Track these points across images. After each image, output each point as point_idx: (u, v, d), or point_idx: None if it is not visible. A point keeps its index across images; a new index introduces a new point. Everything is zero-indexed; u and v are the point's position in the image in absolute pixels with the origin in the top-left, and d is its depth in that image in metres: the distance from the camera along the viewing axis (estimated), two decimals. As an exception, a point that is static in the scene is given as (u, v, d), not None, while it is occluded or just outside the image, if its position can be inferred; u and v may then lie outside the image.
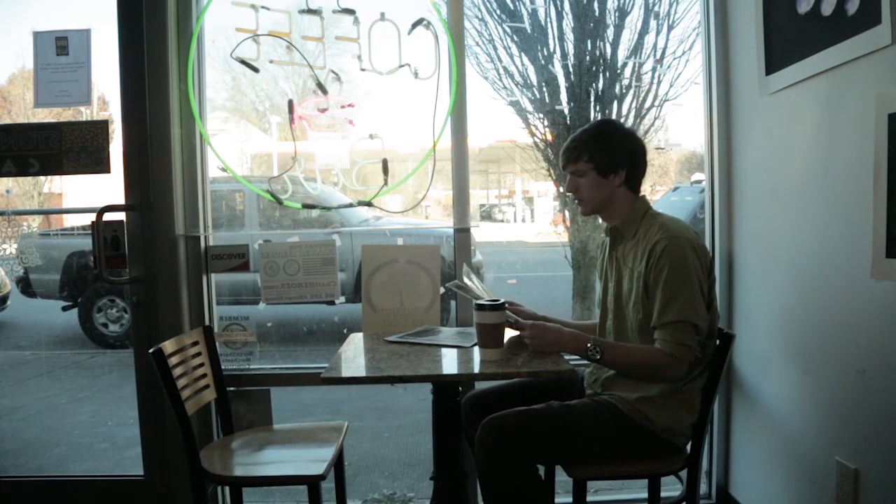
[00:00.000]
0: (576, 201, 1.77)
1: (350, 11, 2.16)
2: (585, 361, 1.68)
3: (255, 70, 2.18)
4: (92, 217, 2.08)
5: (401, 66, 2.18)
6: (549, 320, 1.82)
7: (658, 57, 3.43)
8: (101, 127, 2.16)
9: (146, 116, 2.12)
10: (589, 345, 1.61)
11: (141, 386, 2.18)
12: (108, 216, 2.11)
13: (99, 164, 2.16)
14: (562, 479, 1.78)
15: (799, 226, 1.79)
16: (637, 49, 3.46)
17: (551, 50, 3.57)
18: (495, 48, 3.66)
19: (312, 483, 1.68)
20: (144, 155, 2.13)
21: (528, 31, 3.59)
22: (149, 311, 2.17)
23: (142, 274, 2.16)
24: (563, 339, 1.65)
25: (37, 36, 2.14)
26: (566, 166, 1.75)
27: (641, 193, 1.77)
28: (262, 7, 2.14)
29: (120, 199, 2.15)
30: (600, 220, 1.86)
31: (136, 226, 2.15)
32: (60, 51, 2.13)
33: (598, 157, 1.69)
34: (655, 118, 3.57)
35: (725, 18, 2.17)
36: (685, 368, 1.58)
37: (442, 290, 2.21)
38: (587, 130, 1.75)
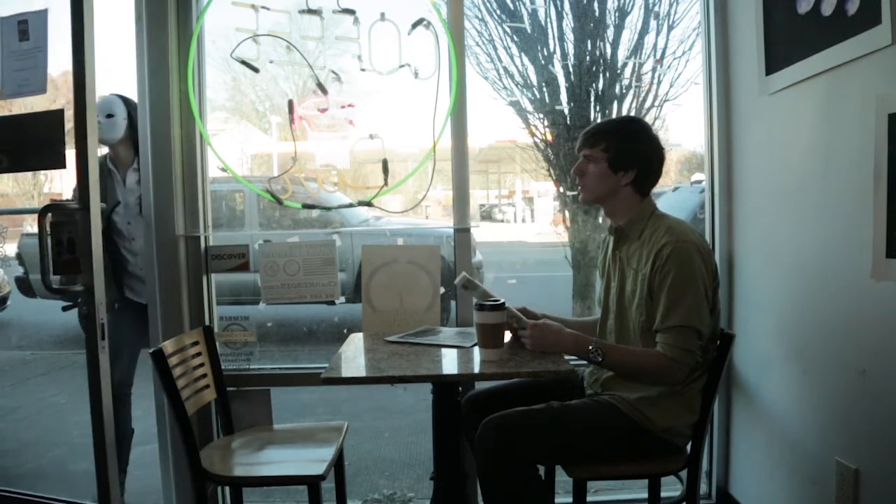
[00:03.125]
0: (578, 186, 1.76)
1: (350, 11, 2.16)
2: (585, 361, 1.68)
3: (255, 70, 2.18)
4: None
5: (401, 66, 2.18)
6: (550, 319, 1.83)
7: (658, 57, 3.43)
8: (56, 118, 1.93)
9: (146, 116, 2.12)
10: (590, 347, 1.60)
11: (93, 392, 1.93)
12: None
13: (54, 160, 1.92)
14: (562, 479, 1.78)
15: (799, 226, 1.79)
16: (637, 49, 3.46)
17: (551, 50, 3.58)
18: (495, 48, 3.66)
19: (312, 483, 1.68)
20: (144, 155, 2.13)
21: (528, 31, 3.59)
22: (147, 311, 2.17)
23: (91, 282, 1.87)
24: (564, 340, 1.65)
25: (2, 21, 1.96)
26: (581, 148, 1.73)
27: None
28: (262, 7, 2.14)
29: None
30: (600, 220, 1.86)
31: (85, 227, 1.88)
32: (22, 35, 1.94)
33: (614, 150, 1.67)
34: (655, 118, 3.57)
35: (725, 18, 2.17)
36: (685, 372, 1.58)
37: (442, 289, 2.20)
38: (614, 122, 1.75)
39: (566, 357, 1.65)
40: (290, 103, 2.21)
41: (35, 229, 1.86)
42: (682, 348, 1.55)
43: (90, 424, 1.88)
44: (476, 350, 1.72)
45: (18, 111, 2.31)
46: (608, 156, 1.68)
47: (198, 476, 1.71)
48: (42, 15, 1.94)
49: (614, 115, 3.48)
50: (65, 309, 2.33)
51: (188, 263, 2.19)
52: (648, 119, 3.55)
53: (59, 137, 1.93)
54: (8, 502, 2.26)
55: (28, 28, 1.93)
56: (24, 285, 5.96)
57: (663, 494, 1.90)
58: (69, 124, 1.91)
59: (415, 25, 2.16)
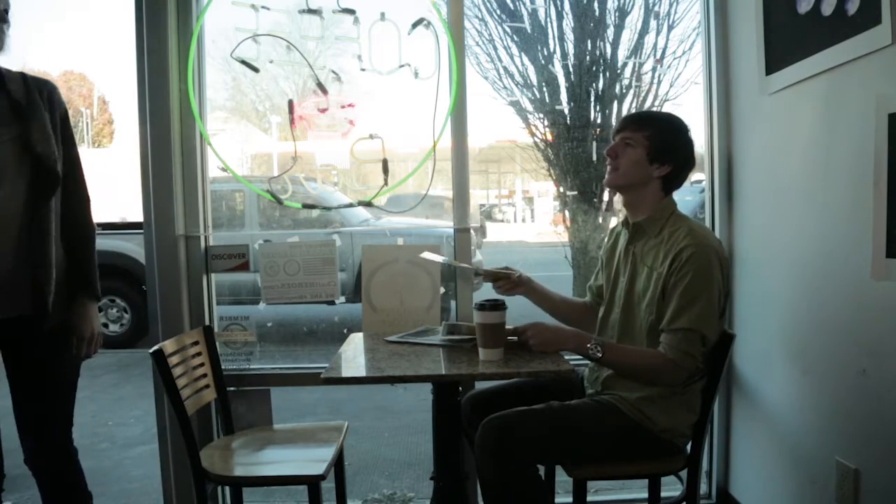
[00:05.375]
0: (609, 167, 1.70)
1: (350, 11, 2.16)
2: (585, 361, 1.68)
3: (255, 70, 2.18)
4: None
5: (401, 66, 2.18)
6: (536, 290, 1.86)
7: (658, 57, 3.43)
8: None
9: (146, 116, 2.12)
10: (590, 344, 1.60)
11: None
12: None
13: None
14: (562, 479, 1.78)
15: (799, 226, 1.79)
16: (637, 49, 3.45)
17: (551, 50, 3.57)
18: (495, 48, 3.65)
19: (312, 483, 1.68)
20: (144, 155, 2.13)
21: (528, 31, 3.59)
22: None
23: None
24: (564, 337, 1.65)
25: None
26: (622, 130, 1.68)
27: None
28: (262, 7, 2.14)
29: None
30: (600, 220, 1.85)
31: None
32: None
33: (657, 139, 1.65)
34: (656, 118, 3.55)
35: (725, 18, 2.17)
36: (684, 376, 1.57)
37: (442, 289, 2.20)
38: (661, 113, 1.73)
39: (566, 357, 1.65)
40: (290, 103, 2.21)
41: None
42: (685, 351, 1.54)
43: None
44: (476, 350, 1.72)
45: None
46: (649, 144, 1.65)
47: (198, 476, 1.71)
48: None
49: (614, 116, 3.48)
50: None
51: (188, 263, 2.19)
52: (648, 119, 3.53)
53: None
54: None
55: None
56: None
57: (663, 494, 1.90)
58: None
59: (415, 25, 2.16)
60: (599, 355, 1.60)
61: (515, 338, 1.68)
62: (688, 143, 1.70)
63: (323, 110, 2.23)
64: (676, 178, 1.69)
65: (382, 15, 2.16)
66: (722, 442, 2.27)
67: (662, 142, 1.65)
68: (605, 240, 1.91)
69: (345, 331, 2.17)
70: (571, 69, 3.48)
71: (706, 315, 1.55)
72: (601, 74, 3.46)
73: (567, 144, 3.57)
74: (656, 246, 1.65)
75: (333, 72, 2.21)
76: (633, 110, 3.51)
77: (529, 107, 3.69)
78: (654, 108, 3.38)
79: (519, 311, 1.89)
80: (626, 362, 1.62)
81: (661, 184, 1.68)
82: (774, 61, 1.84)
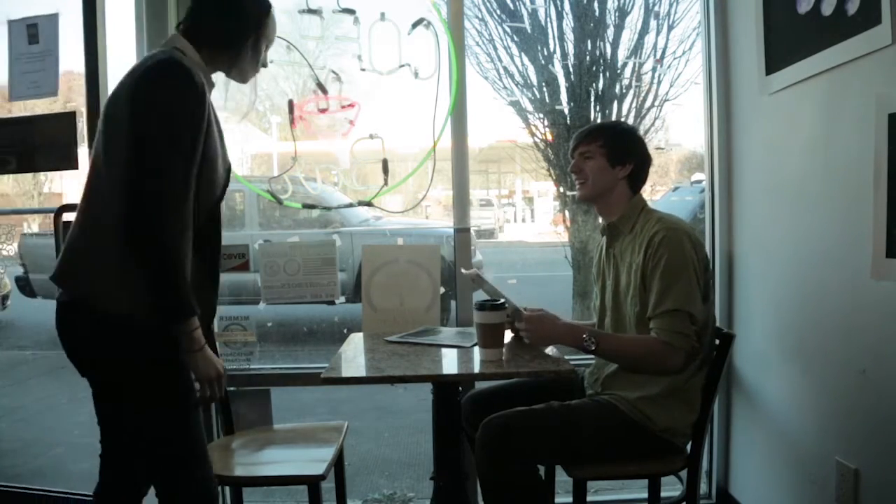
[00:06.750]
0: (577, 183, 1.78)
1: (350, 11, 2.16)
2: (586, 362, 1.68)
3: (255, 70, 2.18)
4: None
5: (401, 66, 2.18)
6: None
7: (658, 57, 3.43)
8: (69, 120, 2.02)
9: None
10: (584, 335, 1.61)
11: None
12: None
13: (66, 160, 1.99)
14: (562, 479, 1.78)
15: (799, 226, 1.79)
16: (637, 49, 3.46)
17: (551, 50, 3.58)
18: (495, 48, 3.66)
19: (312, 483, 1.68)
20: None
21: (528, 31, 3.60)
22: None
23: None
24: (559, 330, 1.66)
25: (11, 25, 2.03)
26: (577, 146, 1.76)
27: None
28: (262, 7, 2.14)
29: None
30: (600, 220, 1.86)
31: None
32: (31, 39, 1.99)
33: (611, 145, 1.72)
34: (655, 118, 3.57)
35: (725, 18, 2.17)
36: (682, 357, 1.57)
37: (442, 289, 2.20)
38: (606, 122, 1.78)
39: (566, 357, 1.66)
40: (290, 103, 2.21)
41: (34, 229, 1.84)
42: (677, 332, 1.55)
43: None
44: (476, 350, 1.72)
45: (18, 112, 2.30)
46: (606, 151, 1.71)
47: (198, 476, 1.71)
48: (53, 19, 2.01)
49: (614, 116, 3.48)
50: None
51: (188, 263, 2.19)
52: (648, 119, 3.55)
53: (72, 138, 2.01)
54: (7, 497, 2.27)
55: (38, 31, 1.99)
56: (24, 285, 5.97)
57: (663, 494, 1.90)
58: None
59: (415, 25, 2.17)
60: (594, 346, 1.60)
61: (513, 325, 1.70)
62: (641, 141, 1.78)
63: (323, 110, 2.23)
64: (639, 175, 1.75)
65: (382, 15, 2.16)
66: (722, 442, 2.27)
67: (617, 145, 1.73)
68: (593, 258, 1.93)
69: (345, 331, 2.17)
70: (571, 69, 3.49)
71: (689, 293, 1.56)
72: (601, 74, 3.46)
73: (567, 144, 3.58)
74: (631, 241, 1.69)
75: (333, 72, 2.21)
76: (633, 110, 3.51)
77: (529, 107, 3.70)
78: (654, 108, 3.39)
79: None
80: (622, 350, 1.63)
81: (627, 183, 1.74)
82: (774, 61, 1.84)
